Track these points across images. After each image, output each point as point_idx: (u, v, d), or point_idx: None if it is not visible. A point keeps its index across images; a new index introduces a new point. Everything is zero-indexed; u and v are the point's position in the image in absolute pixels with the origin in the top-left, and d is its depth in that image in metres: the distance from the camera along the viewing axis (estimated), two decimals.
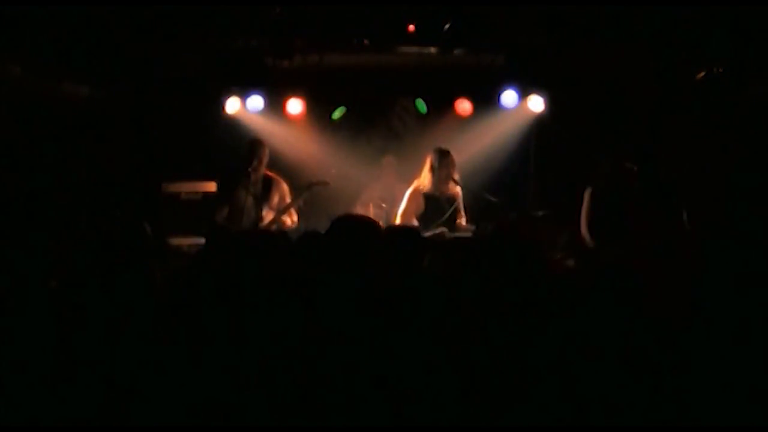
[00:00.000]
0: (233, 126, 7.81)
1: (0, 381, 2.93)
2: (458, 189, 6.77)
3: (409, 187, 6.90)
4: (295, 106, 7.95)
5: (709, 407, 2.62)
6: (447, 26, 5.96)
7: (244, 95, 7.51)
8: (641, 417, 2.52)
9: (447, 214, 6.59)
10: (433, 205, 6.68)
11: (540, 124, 8.15)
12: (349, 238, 3.42)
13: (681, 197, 5.66)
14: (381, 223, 7.33)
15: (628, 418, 2.53)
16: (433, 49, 6.39)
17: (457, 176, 6.72)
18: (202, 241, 5.58)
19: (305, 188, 7.07)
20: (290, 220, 7.02)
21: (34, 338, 3.11)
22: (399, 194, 7.15)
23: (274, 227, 6.87)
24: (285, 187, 7.18)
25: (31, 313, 3.30)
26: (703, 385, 2.65)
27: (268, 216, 7.02)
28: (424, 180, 6.71)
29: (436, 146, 6.85)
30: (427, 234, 6.18)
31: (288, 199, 7.05)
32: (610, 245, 5.50)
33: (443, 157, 6.66)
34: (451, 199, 6.72)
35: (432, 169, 6.66)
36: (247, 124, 7.85)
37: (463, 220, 6.74)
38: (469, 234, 6.42)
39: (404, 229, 4.50)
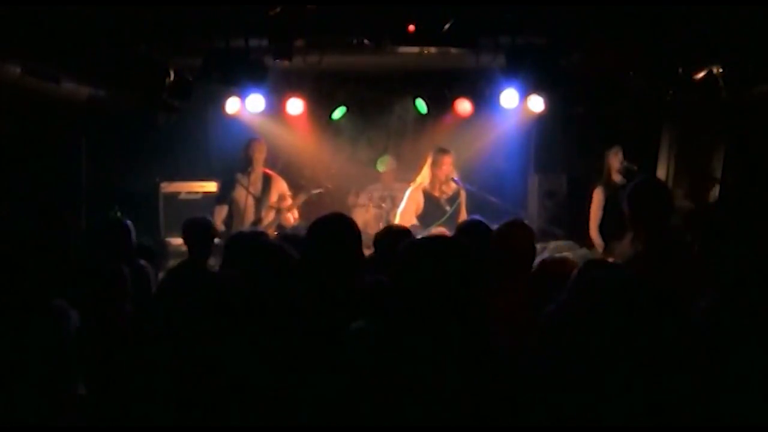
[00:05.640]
0: (233, 126, 7.81)
1: None
2: (461, 189, 6.76)
3: (408, 186, 6.90)
4: (295, 106, 7.96)
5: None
6: (447, 26, 5.95)
7: (244, 95, 7.50)
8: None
9: (448, 214, 6.58)
10: (433, 204, 6.68)
11: (540, 124, 8.16)
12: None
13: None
14: (380, 224, 7.38)
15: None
16: (433, 49, 6.38)
17: (456, 176, 6.72)
18: None
19: (303, 194, 7.14)
20: (292, 217, 7.05)
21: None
22: (399, 194, 7.16)
23: (273, 228, 6.89)
24: (284, 184, 7.21)
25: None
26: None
27: (267, 216, 7.04)
28: (424, 178, 6.72)
29: (438, 146, 6.87)
30: (426, 233, 6.17)
31: (287, 197, 7.08)
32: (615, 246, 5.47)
33: (440, 155, 6.67)
34: (453, 199, 6.71)
35: (431, 167, 6.67)
36: (247, 124, 7.85)
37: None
38: None
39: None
